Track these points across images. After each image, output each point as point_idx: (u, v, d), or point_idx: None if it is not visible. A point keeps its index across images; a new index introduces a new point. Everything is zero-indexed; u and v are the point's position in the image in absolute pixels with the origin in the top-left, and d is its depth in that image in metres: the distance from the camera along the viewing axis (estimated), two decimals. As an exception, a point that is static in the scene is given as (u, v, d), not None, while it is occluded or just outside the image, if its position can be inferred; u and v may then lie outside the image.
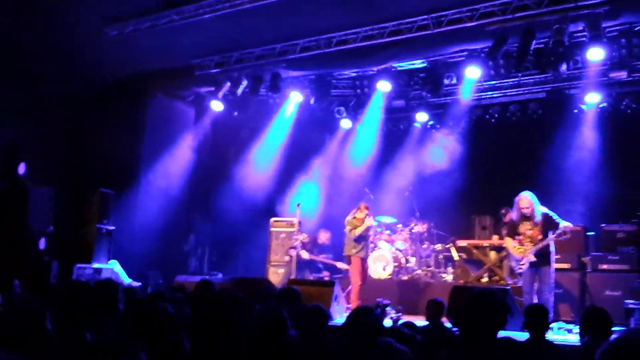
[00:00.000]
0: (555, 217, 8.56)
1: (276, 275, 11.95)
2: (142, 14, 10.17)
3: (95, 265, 11.00)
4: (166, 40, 10.81)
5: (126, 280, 11.03)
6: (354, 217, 10.33)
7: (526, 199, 8.60)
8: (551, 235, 8.45)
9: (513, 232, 8.78)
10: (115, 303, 4.78)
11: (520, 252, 8.58)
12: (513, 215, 8.82)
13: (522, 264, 8.58)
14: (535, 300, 8.32)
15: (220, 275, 11.74)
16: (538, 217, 8.52)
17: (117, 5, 9.97)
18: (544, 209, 8.61)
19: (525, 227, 8.60)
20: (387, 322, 5.77)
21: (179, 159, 12.79)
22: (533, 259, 8.47)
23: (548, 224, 8.51)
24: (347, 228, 10.36)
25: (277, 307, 3.66)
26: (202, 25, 10.09)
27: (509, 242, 8.84)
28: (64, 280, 10.27)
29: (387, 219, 12.56)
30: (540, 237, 8.49)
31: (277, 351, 3.59)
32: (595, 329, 4.97)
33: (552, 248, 8.64)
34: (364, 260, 10.38)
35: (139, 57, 11.46)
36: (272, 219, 12.76)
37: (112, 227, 11.68)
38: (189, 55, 11.78)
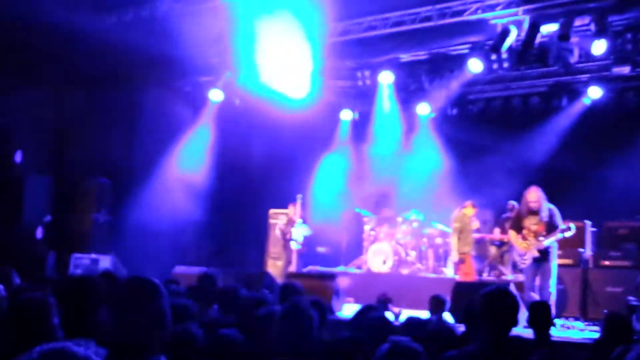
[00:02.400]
0: (558, 217, 8.50)
1: (275, 268, 11.87)
2: (142, 1, 10.00)
3: (93, 255, 10.90)
4: (164, 29, 10.65)
5: (123, 271, 10.94)
6: (464, 215, 10.29)
7: (535, 193, 8.52)
8: (555, 232, 8.38)
9: (518, 226, 8.70)
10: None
11: (524, 246, 8.52)
12: (520, 208, 8.72)
13: (526, 259, 8.52)
14: (537, 296, 8.28)
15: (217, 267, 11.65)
16: (545, 213, 8.45)
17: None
18: (551, 206, 8.54)
19: (530, 222, 8.53)
20: (390, 316, 5.70)
21: (177, 150, 12.66)
22: (537, 254, 8.42)
23: (552, 221, 8.45)
24: (458, 225, 10.29)
25: (304, 306, 3.59)
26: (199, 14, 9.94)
27: (513, 236, 8.76)
28: (61, 270, 10.18)
29: (387, 212, 12.49)
30: (544, 233, 8.42)
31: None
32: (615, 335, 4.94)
33: (555, 244, 8.60)
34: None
35: (136, 46, 11.30)
36: (271, 211, 12.68)
37: (109, 217, 11.58)
38: (188, 44, 11.61)
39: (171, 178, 12.38)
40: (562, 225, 8.41)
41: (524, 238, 8.55)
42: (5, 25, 10.96)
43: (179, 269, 10.17)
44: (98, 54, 11.88)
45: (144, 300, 2.46)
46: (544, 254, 8.43)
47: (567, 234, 8.42)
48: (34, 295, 3.13)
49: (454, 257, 10.43)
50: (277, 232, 11.57)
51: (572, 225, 8.39)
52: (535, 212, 8.50)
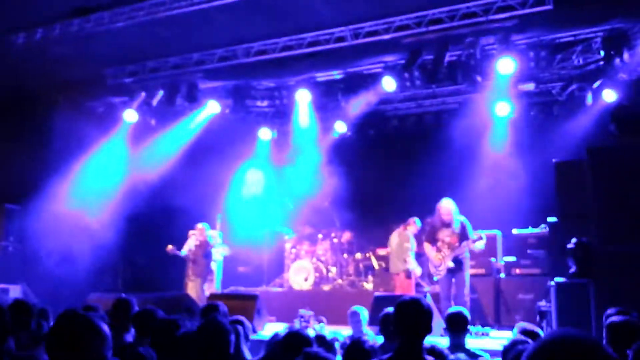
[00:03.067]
0: (469, 229, 8.84)
1: (195, 290, 11.66)
2: (52, 20, 9.71)
3: (2, 285, 10.39)
4: (76, 49, 10.39)
5: (33, 300, 10.47)
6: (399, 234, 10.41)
7: (446, 206, 8.84)
8: (466, 242, 8.71)
9: (432, 238, 8.98)
10: (29, 324, 4.51)
11: (438, 258, 8.80)
12: (434, 220, 9.02)
13: (441, 270, 8.81)
14: (453, 305, 8.55)
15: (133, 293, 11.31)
16: (457, 225, 8.78)
17: (25, 12, 9.46)
18: (462, 218, 8.87)
19: (444, 234, 8.83)
20: (311, 333, 5.74)
21: (89, 171, 12.28)
22: (451, 265, 8.71)
23: (464, 232, 8.78)
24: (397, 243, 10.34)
25: (221, 321, 3.55)
26: (116, 34, 9.76)
27: (427, 248, 9.04)
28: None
29: (307, 229, 12.57)
30: (457, 244, 8.74)
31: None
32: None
33: (467, 254, 8.92)
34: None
35: (48, 66, 10.95)
36: (190, 232, 12.47)
37: (18, 244, 11.08)
38: (101, 64, 11.38)
39: (84, 201, 11.99)
40: (473, 236, 8.75)
41: (439, 250, 8.83)
42: None
43: (94, 296, 9.83)
44: (5, 74, 11.46)
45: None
46: (458, 264, 8.74)
47: (479, 244, 8.76)
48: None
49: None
50: (187, 252, 11.31)
51: (483, 235, 8.74)
52: (448, 225, 8.81)
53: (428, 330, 3.67)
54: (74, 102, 12.22)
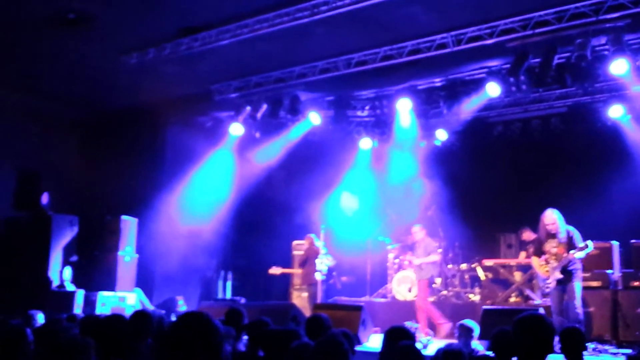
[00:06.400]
0: (577, 238, 8.41)
1: (300, 299, 11.84)
2: (162, 41, 10.20)
3: (120, 293, 10.97)
4: (185, 67, 10.88)
5: (150, 307, 10.99)
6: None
7: (550, 216, 8.48)
8: (574, 251, 8.28)
9: (539, 251, 8.65)
10: (148, 334, 4.71)
11: (546, 270, 8.44)
12: (539, 233, 8.69)
13: (549, 283, 8.43)
14: (564, 320, 8.16)
15: (243, 301, 11.62)
16: (563, 235, 8.40)
17: (136, 33, 10.01)
18: (569, 227, 8.47)
19: (550, 245, 8.47)
20: (419, 346, 5.63)
21: (198, 183, 12.78)
22: (560, 276, 8.32)
23: (572, 242, 8.36)
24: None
25: (339, 340, 3.54)
26: (221, 51, 10.12)
27: (535, 261, 8.72)
28: (89, 309, 10.25)
29: (410, 239, 12.42)
30: (565, 254, 8.34)
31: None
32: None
33: (579, 265, 8.48)
34: None
35: (159, 84, 11.54)
36: (294, 242, 12.69)
37: (135, 255, 11.66)
38: (208, 81, 11.84)
39: (195, 212, 12.49)
40: (581, 244, 8.31)
41: (546, 262, 8.48)
42: (29, 64, 11.25)
43: (205, 304, 10.19)
44: (120, 93, 12.17)
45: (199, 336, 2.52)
46: (568, 274, 8.33)
47: (580, 253, 8.29)
48: (74, 336, 3.16)
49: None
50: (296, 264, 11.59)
51: (589, 243, 8.28)
52: (553, 235, 8.43)
53: (550, 349, 3.46)
54: (184, 117, 12.79)
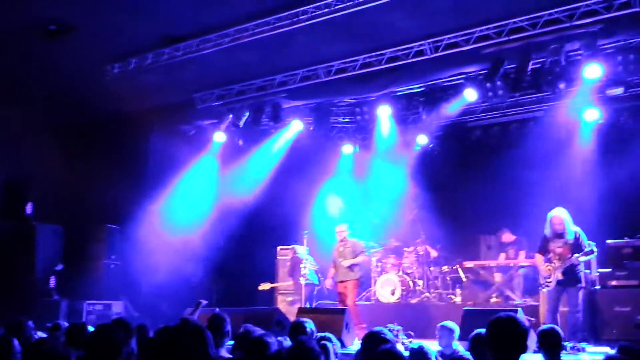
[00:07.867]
0: (584, 240, 8.55)
1: (285, 304, 11.97)
2: (144, 50, 10.31)
3: (105, 301, 11.02)
4: (168, 76, 10.99)
5: (135, 315, 11.05)
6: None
7: (559, 216, 8.54)
8: (578, 255, 8.43)
9: (544, 249, 8.74)
10: (128, 340, 4.80)
11: (548, 269, 8.54)
12: (545, 231, 8.77)
13: (550, 282, 8.53)
14: (559, 320, 8.30)
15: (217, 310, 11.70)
16: (570, 236, 8.49)
17: (118, 44, 10.11)
18: (577, 228, 8.59)
19: (555, 245, 8.54)
20: (400, 348, 5.77)
21: (182, 190, 12.86)
22: (561, 277, 8.43)
23: (578, 244, 8.51)
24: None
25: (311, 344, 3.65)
26: (203, 60, 10.26)
27: (538, 259, 8.78)
28: (75, 318, 10.29)
29: (393, 243, 12.61)
30: (569, 255, 8.45)
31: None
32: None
33: (582, 268, 8.62)
34: None
35: (141, 93, 11.63)
36: (279, 247, 12.80)
37: (119, 263, 11.72)
38: (191, 89, 11.96)
39: (179, 219, 12.56)
40: (587, 247, 8.44)
41: (549, 261, 8.58)
42: (14, 75, 11.27)
43: (189, 311, 10.25)
44: (103, 102, 12.21)
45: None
46: (572, 277, 8.45)
47: (583, 258, 8.45)
48: (56, 346, 3.25)
49: None
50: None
51: (594, 248, 8.44)
52: (560, 235, 8.54)
53: (523, 349, 3.55)
54: (167, 126, 12.88)
